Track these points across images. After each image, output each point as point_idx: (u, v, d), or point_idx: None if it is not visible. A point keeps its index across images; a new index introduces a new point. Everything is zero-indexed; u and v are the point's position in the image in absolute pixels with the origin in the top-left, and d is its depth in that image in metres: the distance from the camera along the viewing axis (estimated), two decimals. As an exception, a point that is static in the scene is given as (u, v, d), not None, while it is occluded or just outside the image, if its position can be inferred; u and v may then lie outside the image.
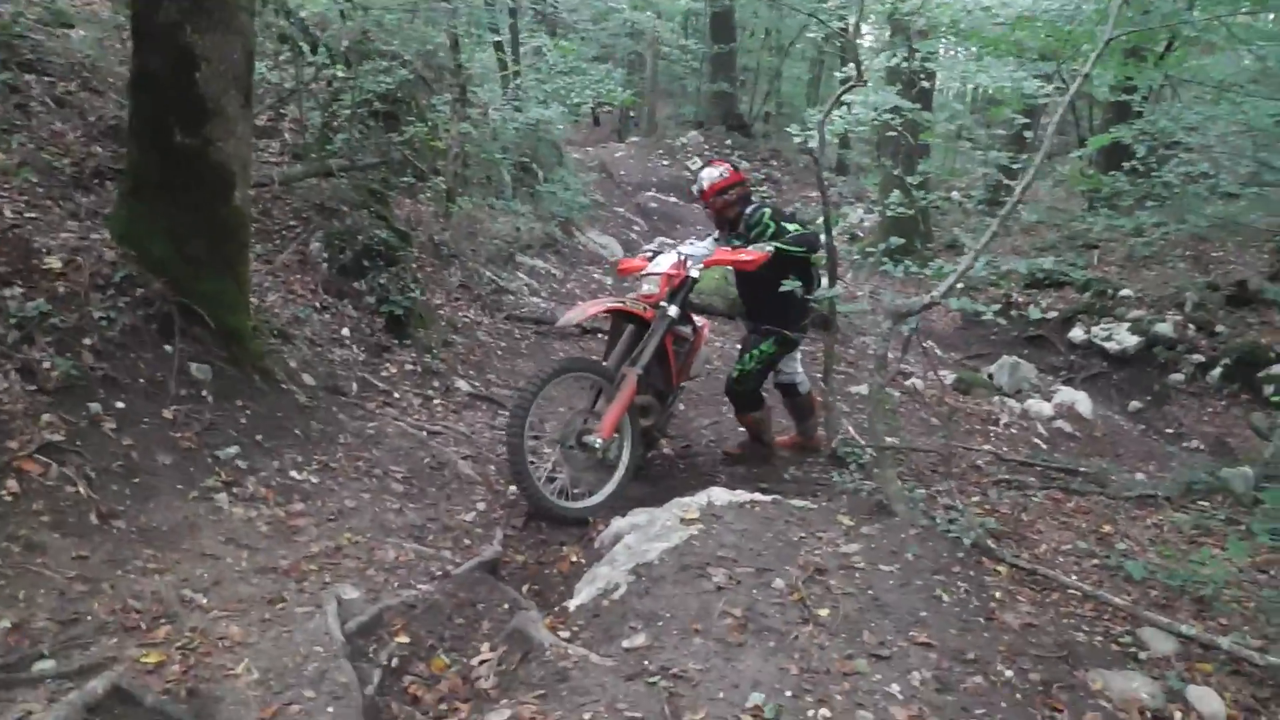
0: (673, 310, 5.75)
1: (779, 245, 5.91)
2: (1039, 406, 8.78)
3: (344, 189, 7.85)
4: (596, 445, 5.38)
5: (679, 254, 5.99)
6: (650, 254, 6.40)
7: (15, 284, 4.87)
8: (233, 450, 5.05)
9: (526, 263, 11.26)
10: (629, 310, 5.73)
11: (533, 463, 5.35)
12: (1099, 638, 3.96)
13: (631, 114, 27.16)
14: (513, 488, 5.60)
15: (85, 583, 3.82)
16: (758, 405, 6.49)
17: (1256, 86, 10.00)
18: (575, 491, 5.57)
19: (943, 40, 10.44)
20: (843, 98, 7.36)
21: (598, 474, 5.63)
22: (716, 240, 6.47)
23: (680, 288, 5.86)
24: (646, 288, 5.80)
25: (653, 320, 5.71)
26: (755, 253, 5.84)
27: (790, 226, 6.09)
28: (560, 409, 6.99)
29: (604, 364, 5.70)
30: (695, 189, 6.31)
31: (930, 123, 10.83)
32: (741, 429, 6.87)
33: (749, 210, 6.31)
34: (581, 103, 14.08)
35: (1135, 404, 10.11)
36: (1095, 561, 5.07)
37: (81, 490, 4.24)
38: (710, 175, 6.27)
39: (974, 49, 10.32)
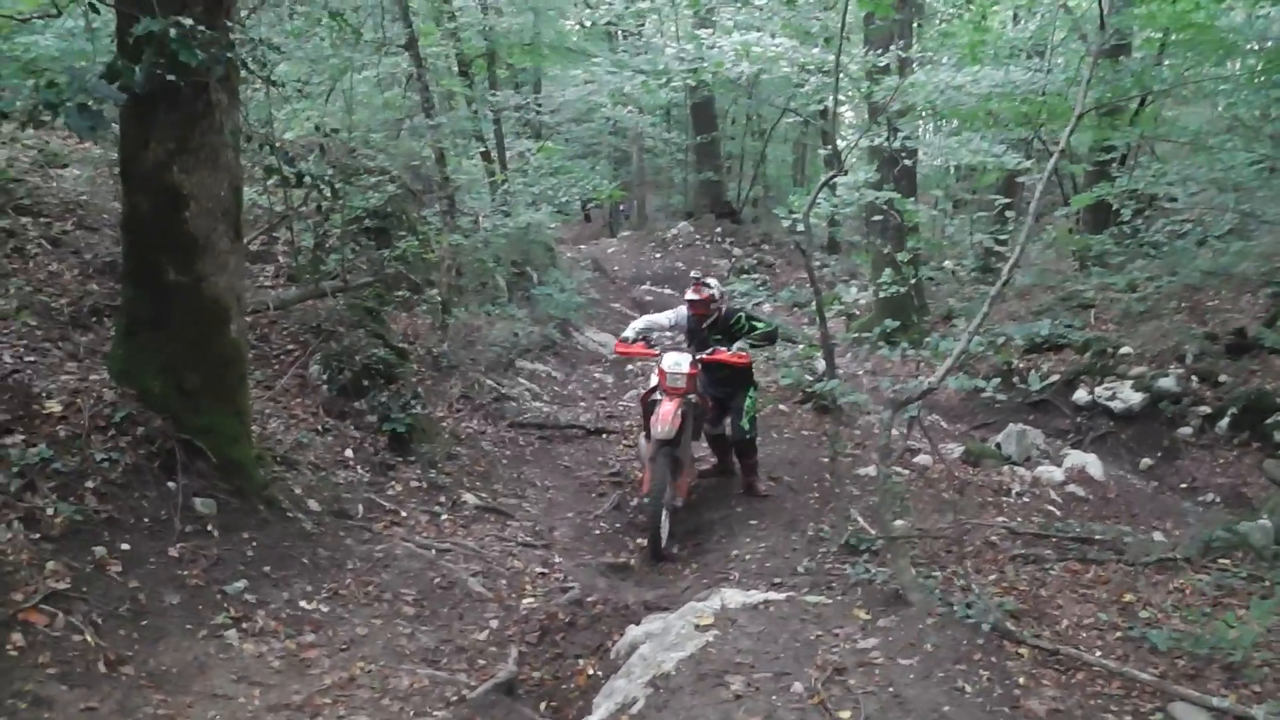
0: (693, 398, 7.17)
1: (752, 342, 7.42)
2: (1049, 473, 8.68)
3: (339, 309, 7.91)
4: (679, 504, 7.12)
5: (691, 354, 7.26)
6: (641, 338, 7.59)
7: (16, 431, 4.90)
8: (240, 585, 5.01)
9: (527, 367, 11.26)
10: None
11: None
12: (1128, 718, 3.89)
13: (621, 208, 27.38)
14: (526, 601, 5.82)
15: (95, 736, 3.77)
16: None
17: (1230, 136, 10.14)
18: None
19: (921, 117, 10.61)
20: (827, 183, 7.49)
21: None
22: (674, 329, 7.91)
23: (694, 377, 7.14)
24: (672, 383, 7.00)
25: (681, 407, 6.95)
26: (746, 355, 7.37)
27: (759, 324, 7.54)
28: (569, 514, 7.09)
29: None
30: (707, 294, 7.43)
31: (910, 209, 10.85)
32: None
33: (726, 310, 7.55)
34: (570, 201, 14.27)
35: (1146, 461, 10.02)
36: (1119, 634, 4.99)
37: (89, 638, 4.21)
38: (717, 287, 7.58)
39: (953, 123, 10.50)
